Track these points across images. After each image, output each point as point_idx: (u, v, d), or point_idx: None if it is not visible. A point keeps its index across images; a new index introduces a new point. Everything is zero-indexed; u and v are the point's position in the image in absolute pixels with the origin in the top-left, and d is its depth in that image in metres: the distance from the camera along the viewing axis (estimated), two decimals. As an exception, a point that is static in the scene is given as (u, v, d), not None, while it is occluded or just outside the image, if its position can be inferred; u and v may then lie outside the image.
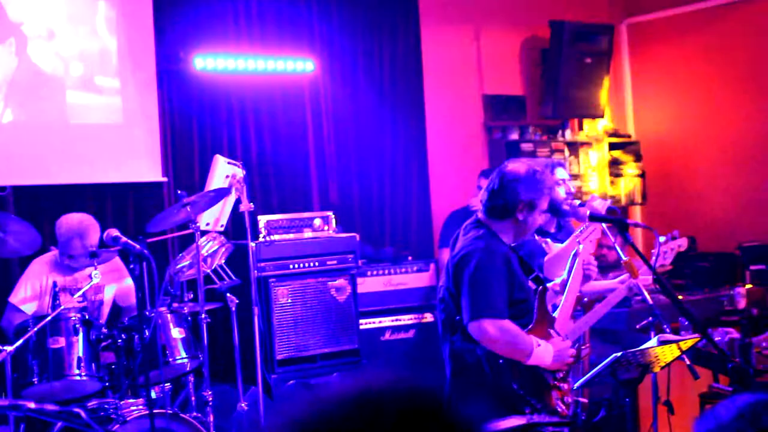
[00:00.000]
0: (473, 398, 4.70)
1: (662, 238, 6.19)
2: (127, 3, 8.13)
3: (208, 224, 7.21)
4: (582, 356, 5.27)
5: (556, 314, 4.89)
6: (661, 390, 5.62)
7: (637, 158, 11.22)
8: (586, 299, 6.11)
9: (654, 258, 5.96)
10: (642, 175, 11.22)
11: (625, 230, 4.97)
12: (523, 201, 4.69)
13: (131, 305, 6.87)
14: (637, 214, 11.32)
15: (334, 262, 8.11)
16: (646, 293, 5.70)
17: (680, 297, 5.03)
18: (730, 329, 6.72)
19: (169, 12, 8.37)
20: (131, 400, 6.02)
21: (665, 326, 5.64)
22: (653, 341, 5.04)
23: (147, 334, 6.02)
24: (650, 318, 5.81)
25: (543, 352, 4.55)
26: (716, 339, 6.03)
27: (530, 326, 4.63)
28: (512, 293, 4.63)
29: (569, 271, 5.09)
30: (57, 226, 6.66)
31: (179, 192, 6.71)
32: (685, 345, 4.99)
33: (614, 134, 11.27)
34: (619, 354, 4.71)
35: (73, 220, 6.64)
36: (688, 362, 5.35)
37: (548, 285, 5.09)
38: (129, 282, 6.90)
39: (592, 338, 6.02)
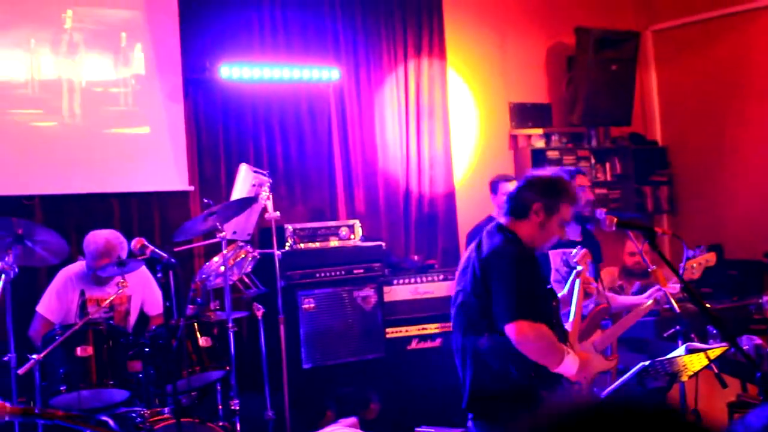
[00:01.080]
0: (497, 403, 4.65)
1: (690, 253, 6.18)
2: (154, 14, 8.17)
3: (234, 233, 7.22)
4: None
5: (567, 327, 4.92)
6: (690, 399, 5.59)
7: (664, 165, 11.19)
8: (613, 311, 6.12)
9: (681, 267, 5.95)
10: (669, 182, 11.19)
11: (653, 238, 4.95)
12: (540, 202, 4.69)
13: (159, 314, 6.90)
14: (664, 222, 11.28)
15: (361, 270, 8.11)
16: (673, 302, 5.68)
17: (708, 306, 5.00)
18: (754, 336, 6.68)
19: (195, 22, 8.41)
20: (158, 409, 6.03)
21: (692, 335, 5.62)
22: (681, 350, 5.02)
23: (174, 342, 6.03)
24: (678, 326, 5.79)
25: (572, 360, 4.52)
26: (742, 347, 5.99)
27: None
28: (538, 297, 4.62)
29: (570, 290, 5.15)
30: (85, 243, 6.70)
31: (205, 201, 6.73)
32: (713, 354, 4.97)
33: (641, 141, 11.25)
34: (646, 363, 4.69)
35: (99, 241, 6.65)
36: (716, 371, 5.33)
37: None
38: (156, 291, 6.93)
39: (620, 347, 6.01)
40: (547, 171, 4.98)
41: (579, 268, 5.24)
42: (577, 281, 5.18)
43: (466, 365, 4.74)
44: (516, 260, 4.55)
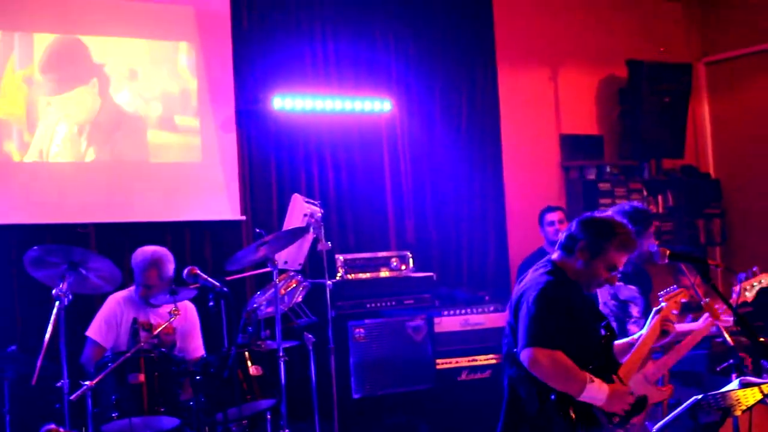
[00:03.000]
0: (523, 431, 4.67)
1: (743, 275, 6.10)
2: (208, 45, 8.26)
3: (285, 263, 7.25)
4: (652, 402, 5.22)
5: (622, 360, 4.84)
6: (743, 434, 5.52)
7: (717, 198, 11.10)
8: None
9: (735, 296, 5.89)
10: (721, 215, 11.10)
11: (706, 271, 4.90)
12: (585, 241, 4.68)
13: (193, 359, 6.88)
14: (716, 255, 11.17)
15: (411, 301, 8.11)
16: (726, 335, 5.63)
17: (761, 339, 4.94)
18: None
19: (248, 54, 8.49)
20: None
21: (746, 368, 5.55)
22: (734, 384, 4.96)
23: (225, 371, 6.05)
24: (731, 360, 5.73)
25: (596, 389, 4.47)
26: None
27: (591, 367, 4.55)
28: (574, 330, 4.57)
29: (648, 325, 5.08)
30: (132, 258, 6.78)
31: (257, 230, 6.76)
32: (768, 388, 4.91)
33: (694, 173, 11.18)
34: (699, 397, 4.64)
35: (147, 251, 6.77)
36: (770, 406, 5.26)
37: (626, 339, 5.07)
38: (196, 338, 6.96)
39: (672, 381, 5.95)
40: (609, 214, 4.95)
41: (662, 304, 5.16)
42: (655, 318, 5.09)
43: (503, 394, 4.77)
44: (546, 293, 4.54)
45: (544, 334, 4.45)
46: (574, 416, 4.49)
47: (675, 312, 5.18)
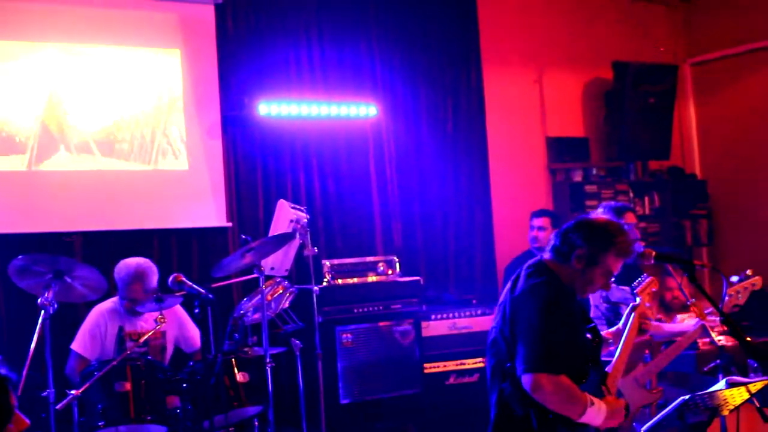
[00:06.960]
0: None
1: (735, 278, 6.09)
2: (193, 52, 8.25)
3: (272, 269, 7.23)
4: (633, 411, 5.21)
5: (609, 368, 4.78)
6: (731, 434, 5.52)
7: (704, 199, 11.12)
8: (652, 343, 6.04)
9: (723, 299, 5.88)
10: (708, 216, 11.11)
11: (692, 271, 4.88)
12: (582, 248, 4.46)
13: (196, 350, 6.92)
14: (703, 255, 11.19)
15: (398, 305, 8.09)
16: (713, 335, 5.63)
17: (748, 339, 4.93)
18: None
19: (234, 60, 8.48)
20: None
21: (733, 368, 5.56)
22: (721, 384, 4.95)
23: (212, 378, 6.04)
24: (718, 360, 5.73)
25: (596, 411, 4.33)
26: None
27: (585, 381, 4.45)
28: (572, 341, 4.46)
29: (624, 324, 4.99)
30: (116, 271, 6.75)
31: (244, 237, 6.75)
32: (755, 387, 4.90)
33: (680, 174, 11.20)
34: (686, 397, 4.63)
35: (131, 265, 6.74)
36: (757, 405, 5.26)
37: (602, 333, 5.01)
38: (192, 328, 6.96)
39: (660, 381, 5.95)
40: (602, 216, 4.77)
41: (637, 300, 5.07)
42: (633, 315, 5.00)
43: (491, 406, 4.63)
44: (546, 305, 4.33)
45: (548, 358, 4.25)
46: None
47: (648, 305, 5.12)
